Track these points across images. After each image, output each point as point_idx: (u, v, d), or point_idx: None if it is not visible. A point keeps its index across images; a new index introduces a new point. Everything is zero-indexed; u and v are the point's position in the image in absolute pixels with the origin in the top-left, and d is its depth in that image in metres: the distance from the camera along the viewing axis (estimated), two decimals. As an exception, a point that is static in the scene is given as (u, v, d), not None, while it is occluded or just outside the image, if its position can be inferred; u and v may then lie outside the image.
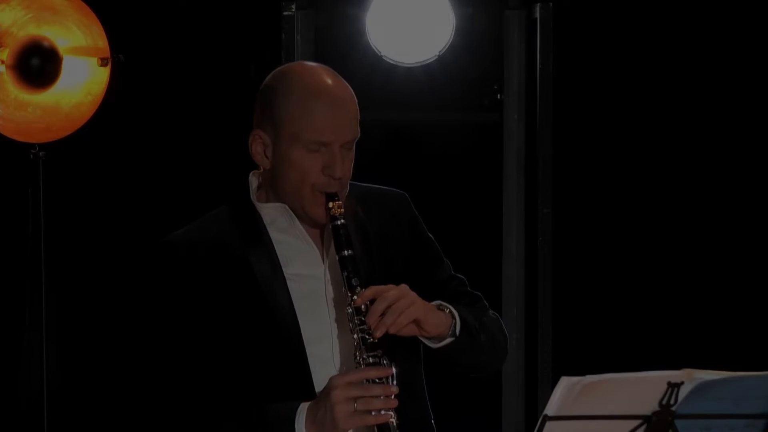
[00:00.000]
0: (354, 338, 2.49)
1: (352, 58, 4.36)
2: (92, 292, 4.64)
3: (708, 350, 4.47)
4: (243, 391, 2.56)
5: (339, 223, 2.55)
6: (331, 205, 2.56)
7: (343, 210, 2.57)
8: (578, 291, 4.60)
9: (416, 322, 2.52)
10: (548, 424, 2.11)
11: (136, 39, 4.39)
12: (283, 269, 2.60)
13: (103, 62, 4.13)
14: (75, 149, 4.37)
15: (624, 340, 4.58)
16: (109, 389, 4.64)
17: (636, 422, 2.14)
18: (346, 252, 2.53)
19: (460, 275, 2.80)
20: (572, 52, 4.48)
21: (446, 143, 4.68)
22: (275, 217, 2.64)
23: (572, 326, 4.54)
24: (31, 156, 4.17)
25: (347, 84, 2.63)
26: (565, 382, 2.09)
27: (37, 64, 4.09)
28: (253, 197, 2.69)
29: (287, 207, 2.62)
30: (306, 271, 2.63)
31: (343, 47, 4.41)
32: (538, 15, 4.30)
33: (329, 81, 2.60)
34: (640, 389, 2.13)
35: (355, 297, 2.49)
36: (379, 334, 2.47)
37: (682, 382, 2.12)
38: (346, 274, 2.52)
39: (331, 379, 2.46)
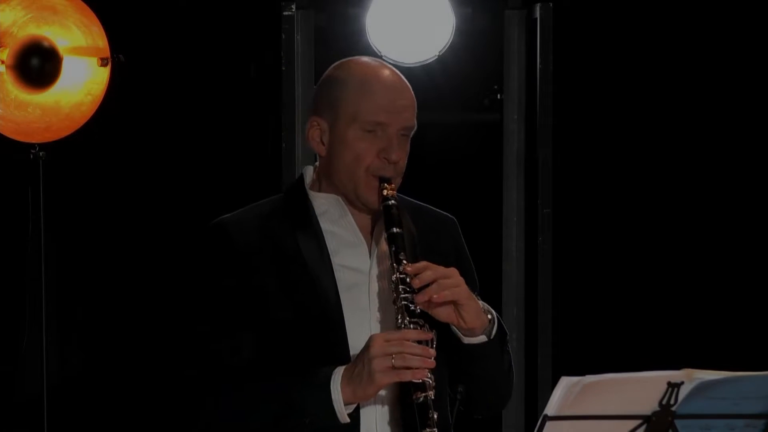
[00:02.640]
0: (396, 306, 2.51)
1: (352, 59, 4.35)
2: (92, 291, 4.64)
3: (708, 350, 4.47)
4: (283, 364, 2.58)
5: (390, 203, 2.59)
6: (383, 186, 2.60)
7: (395, 193, 2.60)
8: (578, 291, 4.60)
9: (457, 305, 2.54)
10: (548, 424, 2.11)
11: (136, 39, 4.39)
12: (332, 259, 2.63)
13: (103, 62, 4.13)
14: (75, 149, 4.37)
15: (624, 340, 4.58)
16: (110, 389, 4.64)
17: (636, 422, 2.14)
18: (395, 229, 2.56)
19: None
20: (572, 52, 4.48)
21: (446, 143, 4.68)
22: (327, 207, 2.67)
23: (572, 326, 4.54)
24: (31, 156, 4.17)
25: (404, 77, 2.68)
26: (565, 382, 2.10)
27: (37, 64, 4.09)
28: (308, 187, 2.71)
29: (340, 199, 2.66)
30: (352, 263, 2.65)
31: (343, 47, 4.40)
32: (538, 15, 4.30)
33: (386, 68, 2.67)
34: (640, 389, 2.13)
35: (400, 268, 2.52)
36: (422, 299, 2.50)
37: (682, 382, 2.12)
38: (393, 248, 2.55)
39: (371, 336, 2.49)
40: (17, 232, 4.34)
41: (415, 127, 2.65)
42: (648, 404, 2.13)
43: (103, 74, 4.15)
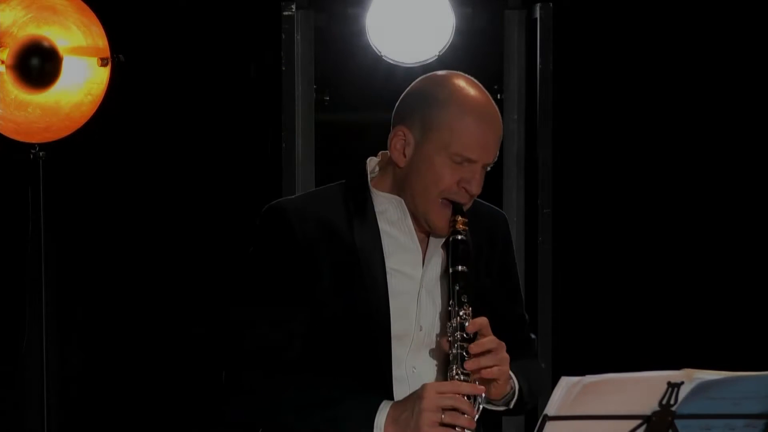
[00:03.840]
0: (452, 352, 2.51)
1: (352, 58, 4.36)
2: (92, 291, 4.64)
3: (708, 350, 4.47)
4: (329, 365, 2.58)
5: (459, 237, 2.58)
6: (457, 218, 2.59)
7: (466, 227, 2.60)
8: (578, 291, 4.60)
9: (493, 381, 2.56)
10: (548, 424, 2.11)
11: (136, 39, 4.39)
12: (385, 260, 2.63)
13: (103, 62, 4.13)
14: (75, 149, 4.37)
15: (624, 340, 4.58)
16: (110, 389, 4.64)
17: (636, 422, 2.14)
18: (460, 267, 2.57)
19: (526, 314, 2.86)
20: (572, 52, 4.48)
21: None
22: (387, 207, 2.66)
23: (572, 326, 4.54)
24: (31, 156, 4.17)
25: (495, 103, 2.65)
26: (565, 382, 2.09)
27: (37, 64, 4.09)
28: (369, 182, 2.69)
29: (402, 201, 2.64)
30: (405, 269, 2.65)
31: (343, 47, 4.41)
32: (538, 15, 4.30)
33: (486, 100, 2.62)
34: (640, 389, 2.13)
35: (461, 313, 2.52)
36: (472, 366, 2.49)
37: (682, 382, 2.12)
38: (457, 288, 2.55)
39: (424, 385, 2.47)
40: (17, 232, 4.34)
41: (496, 158, 2.64)
42: (648, 404, 2.13)
43: (103, 74, 4.15)
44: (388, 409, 2.49)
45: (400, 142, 2.62)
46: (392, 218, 2.66)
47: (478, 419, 2.52)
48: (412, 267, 2.65)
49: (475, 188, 2.59)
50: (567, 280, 4.51)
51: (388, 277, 2.61)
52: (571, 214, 4.56)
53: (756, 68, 4.59)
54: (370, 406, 2.50)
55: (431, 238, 2.66)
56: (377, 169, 2.71)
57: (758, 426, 2.20)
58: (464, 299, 2.54)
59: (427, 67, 4.26)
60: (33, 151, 4.17)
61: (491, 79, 4.49)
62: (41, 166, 4.20)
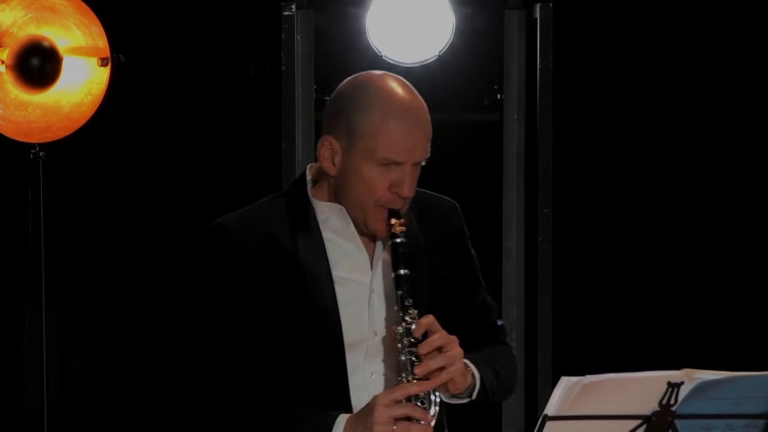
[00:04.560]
0: (401, 359, 2.50)
1: (352, 58, 4.35)
2: (92, 291, 4.64)
3: (708, 350, 4.47)
4: (282, 381, 2.57)
5: (399, 241, 2.56)
6: (393, 222, 2.57)
7: (404, 228, 2.57)
8: (578, 291, 4.60)
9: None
10: (548, 424, 2.11)
11: (136, 39, 4.39)
12: (332, 270, 2.61)
13: (103, 62, 4.13)
14: (75, 149, 4.37)
15: (624, 340, 4.58)
16: (110, 389, 4.64)
17: (636, 422, 2.14)
18: (402, 271, 2.54)
19: (490, 300, 2.83)
20: (572, 52, 4.48)
21: (446, 143, 4.67)
22: (329, 215, 2.64)
23: (572, 326, 4.54)
24: (31, 156, 4.17)
25: (423, 101, 2.62)
26: (565, 382, 2.10)
27: (37, 64, 4.09)
28: (309, 192, 2.67)
29: (343, 209, 2.62)
30: (353, 275, 2.63)
31: (343, 47, 4.40)
32: (538, 15, 4.30)
33: (410, 98, 2.58)
34: (640, 389, 2.13)
35: (407, 318, 2.50)
36: (421, 371, 2.47)
37: (682, 382, 2.12)
38: (400, 293, 2.53)
39: (375, 397, 2.47)
40: (17, 232, 4.33)
41: (429, 154, 2.62)
42: (648, 404, 2.13)
43: (103, 74, 4.15)
44: (343, 424, 2.48)
45: (328, 152, 2.59)
46: (335, 226, 2.64)
47: (440, 420, 2.53)
48: (361, 273, 2.64)
49: (407, 190, 2.56)
50: (567, 280, 4.51)
51: (336, 286, 2.60)
52: (571, 214, 4.56)
53: (756, 68, 4.59)
54: (328, 422, 2.49)
55: (378, 242, 2.64)
56: (315, 177, 2.68)
57: (758, 426, 2.20)
58: (408, 303, 2.51)
59: (427, 67, 4.26)
60: (33, 151, 4.17)
61: (491, 79, 4.49)
62: (41, 166, 4.20)
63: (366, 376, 2.61)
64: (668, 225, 4.64)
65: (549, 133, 4.34)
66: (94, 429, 4.63)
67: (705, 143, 4.61)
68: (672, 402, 2.13)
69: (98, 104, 4.16)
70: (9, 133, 4.11)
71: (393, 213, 2.58)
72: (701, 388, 2.12)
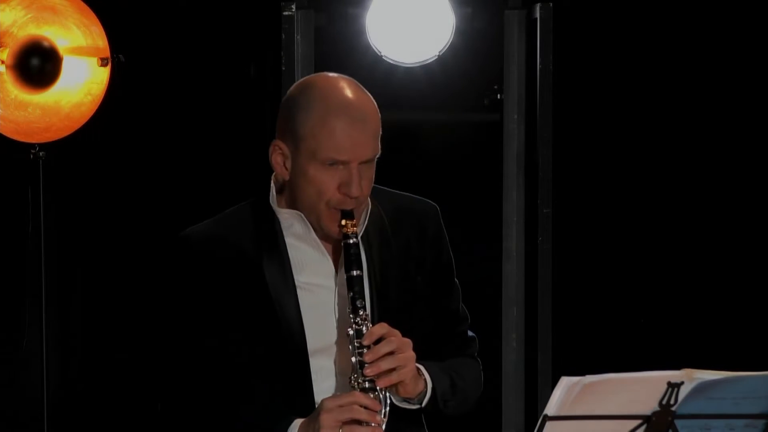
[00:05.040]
0: (352, 360, 2.49)
1: (352, 58, 4.36)
2: (92, 291, 4.64)
3: (708, 350, 4.47)
4: (244, 392, 2.58)
5: (351, 242, 2.54)
6: (344, 223, 2.55)
7: (356, 229, 2.56)
8: (578, 291, 4.60)
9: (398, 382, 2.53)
10: (548, 424, 2.11)
11: (136, 39, 4.39)
12: (295, 277, 2.61)
13: (103, 62, 4.13)
14: (75, 149, 4.37)
15: (624, 340, 4.58)
16: (110, 389, 4.64)
17: (636, 422, 2.14)
18: (354, 272, 2.53)
19: (463, 310, 2.81)
20: (572, 52, 4.48)
21: (446, 143, 4.68)
22: (292, 222, 2.64)
23: (572, 326, 4.54)
24: (31, 156, 4.17)
25: (370, 98, 2.59)
26: (565, 382, 2.09)
27: (37, 64, 4.09)
28: (273, 200, 2.67)
29: (302, 215, 2.62)
30: (317, 280, 2.63)
31: (343, 47, 4.41)
32: (538, 15, 4.30)
33: (351, 96, 2.55)
34: (640, 389, 2.13)
35: (357, 320, 2.50)
36: (371, 372, 2.46)
37: (682, 382, 2.12)
38: (351, 294, 2.52)
39: (322, 402, 2.47)
40: (17, 232, 4.33)
41: (380, 152, 2.58)
42: (648, 404, 2.13)
43: (103, 74, 4.15)
44: (296, 429, 2.49)
45: (279, 157, 2.59)
46: (298, 233, 2.63)
47: (417, 419, 2.55)
48: (326, 278, 2.64)
49: (355, 190, 2.53)
50: (567, 280, 4.51)
51: (300, 291, 2.60)
52: (571, 214, 4.56)
53: (756, 68, 4.59)
54: (283, 425, 2.50)
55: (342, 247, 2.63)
56: (280, 185, 2.68)
57: (758, 426, 2.20)
58: (359, 304, 2.50)
59: (427, 67, 4.26)
60: (33, 151, 4.17)
61: (491, 79, 4.49)
62: (41, 166, 4.20)
63: (339, 380, 2.60)
64: (668, 225, 4.64)
65: (549, 133, 4.34)
66: (94, 429, 4.63)
67: (705, 143, 4.61)
68: (672, 402, 2.13)
69: (98, 104, 4.16)
70: (9, 133, 4.11)
71: (345, 214, 2.56)
72: (701, 388, 2.12)
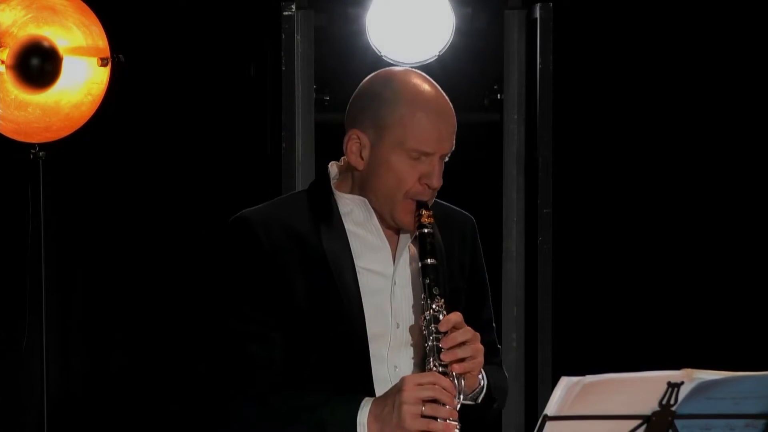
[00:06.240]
0: (427, 345, 2.53)
1: (352, 58, 4.36)
2: (92, 291, 4.64)
3: (708, 350, 4.47)
4: (308, 371, 2.58)
5: (426, 231, 2.59)
6: (422, 212, 2.61)
7: (432, 220, 2.61)
8: (578, 291, 4.60)
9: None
10: (548, 424, 2.11)
11: (136, 39, 4.39)
12: (355, 261, 2.63)
13: (103, 62, 4.13)
14: (75, 149, 4.37)
15: (624, 340, 4.58)
16: (110, 389, 4.64)
17: (636, 422, 2.14)
18: (429, 260, 2.57)
19: (493, 320, 2.86)
20: (572, 52, 4.48)
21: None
22: (352, 208, 2.67)
23: (572, 326, 4.54)
24: (31, 156, 4.17)
25: (446, 95, 2.66)
26: (565, 382, 2.10)
27: (37, 64, 4.09)
28: (333, 186, 2.70)
29: (366, 201, 2.65)
30: (376, 267, 2.65)
31: (343, 47, 4.41)
32: (538, 15, 4.30)
33: (435, 92, 2.63)
34: (640, 389, 2.13)
35: (434, 306, 2.53)
36: (447, 358, 2.50)
37: (682, 382, 2.12)
38: (427, 281, 2.56)
39: (403, 378, 2.49)
40: (17, 232, 4.34)
41: (454, 147, 2.65)
42: (648, 404, 2.13)
43: (103, 74, 4.15)
44: (369, 406, 2.50)
45: (356, 146, 2.63)
46: (358, 219, 2.66)
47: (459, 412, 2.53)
48: (383, 265, 2.66)
49: (436, 181, 2.60)
50: (567, 280, 4.51)
51: (359, 276, 2.62)
52: (571, 214, 4.56)
53: (756, 68, 4.59)
54: (353, 405, 2.50)
55: (401, 235, 2.67)
56: (338, 173, 2.71)
57: (758, 426, 2.20)
58: (435, 291, 2.55)
59: (427, 67, 4.26)
60: (33, 151, 4.17)
61: (491, 79, 4.49)
62: (41, 166, 4.20)
63: (390, 369, 2.62)
64: (668, 225, 4.65)
65: (549, 134, 4.34)
66: (94, 429, 4.63)
67: (705, 143, 4.62)
68: (672, 402, 2.13)
69: (98, 104, 4.16)
70: (9, 133, 4.11)
71: (421, 204, 2.61)
72: (701, 388, 2.12)
